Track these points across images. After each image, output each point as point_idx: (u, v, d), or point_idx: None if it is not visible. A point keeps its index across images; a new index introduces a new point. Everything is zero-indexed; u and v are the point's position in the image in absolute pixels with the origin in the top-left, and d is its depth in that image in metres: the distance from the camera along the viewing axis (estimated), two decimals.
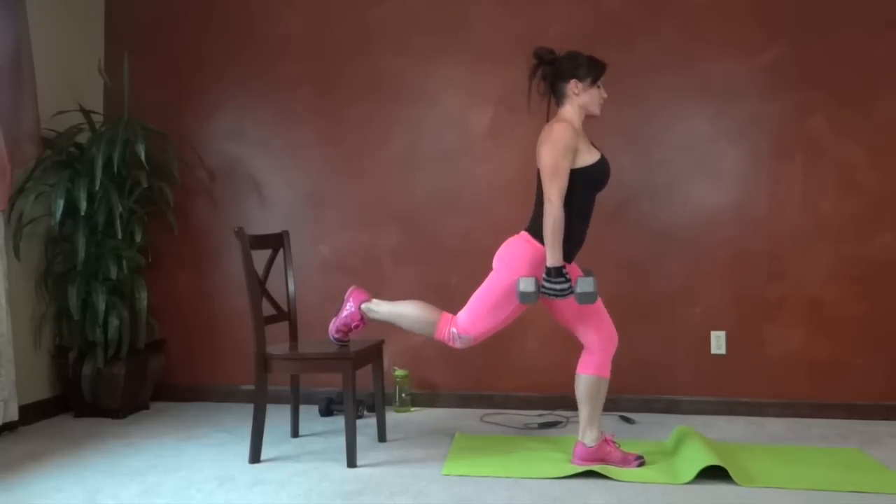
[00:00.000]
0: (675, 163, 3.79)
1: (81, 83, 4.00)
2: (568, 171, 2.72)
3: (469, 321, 2.85)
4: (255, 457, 2.98)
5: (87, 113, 3.80)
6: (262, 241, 3.25)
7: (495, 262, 2.87)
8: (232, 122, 4.10)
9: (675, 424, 3.40)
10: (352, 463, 2.90)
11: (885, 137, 3.64)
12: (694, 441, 2.98)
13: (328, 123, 4.03)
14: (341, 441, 3.17)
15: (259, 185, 4.08)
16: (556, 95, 2.87)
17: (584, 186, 2.78)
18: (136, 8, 4.17)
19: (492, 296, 2.83)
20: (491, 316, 2.84)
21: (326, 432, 3.43)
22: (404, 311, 2.93)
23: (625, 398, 3.75)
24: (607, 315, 2.90)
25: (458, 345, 2.88)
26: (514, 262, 2.80)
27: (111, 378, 3.62)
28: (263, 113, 4.08)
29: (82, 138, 3.82)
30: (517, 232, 2.87)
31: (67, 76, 3.91)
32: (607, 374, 2.86)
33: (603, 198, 3.00)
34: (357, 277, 3.85)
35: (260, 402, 2.97)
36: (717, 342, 3.74)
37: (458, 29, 3.93)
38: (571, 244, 2.79)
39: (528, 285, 2.69)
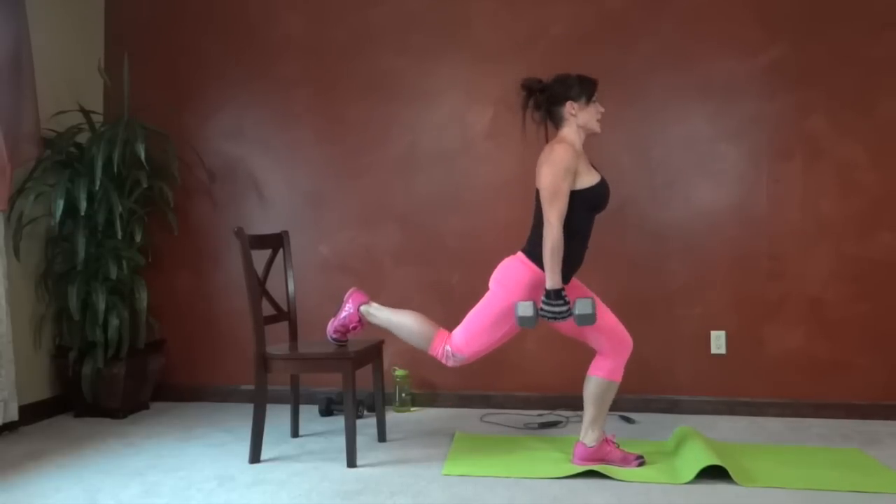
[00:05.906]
0: (674, 163, 3.79)
1: (81, 83, 4.00)
2: (568, 193, 2.69)
3: (463, 340, 2.85)
4: (255, 457, 2.98)
5: (87, 113, 3.81)
6: (261, 241, 3.26)
7: (492, 283, 2.85)
8: (232, 122, 4.10)
9: (675, 424, 3.40)
10: (352, 463, 2.90)
11: (885, 137, 3.64)
12: (694, 441, 2.98)
13: (328, 123, 4.03)
14: (341, 441, 3.17)
15: (259, 185, 4.08)
16: (553, 121, 2.86)
17: (583, 208, 2.76)
18: (136, 8, 4.17)
19: (488, 316, 2.83)
20: (486, 335, 2.84)
21: (326, 432, 3.43)
22: (402, 322, 2.93)
23: (625, 398, 3.74)
24: (617, 321, 2.86)
25: (450, 363, 2.88)
26: (512, 284, 2.78)
27: (111, 378, 3.62)
28: (263, 113, 4.08)
29: (82, 138, 3.82)
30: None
31: (67, 76, 3.91)
32: (619, 378, 2.84)
33: None
34: (357, 277, 3.85)
35: (260, 402, 2.97)
36: (717, 342, 3.74)
37: (459, 29, 3.93)
38: (570, 265, 2.77)
39: (526, 310, 2.68)
